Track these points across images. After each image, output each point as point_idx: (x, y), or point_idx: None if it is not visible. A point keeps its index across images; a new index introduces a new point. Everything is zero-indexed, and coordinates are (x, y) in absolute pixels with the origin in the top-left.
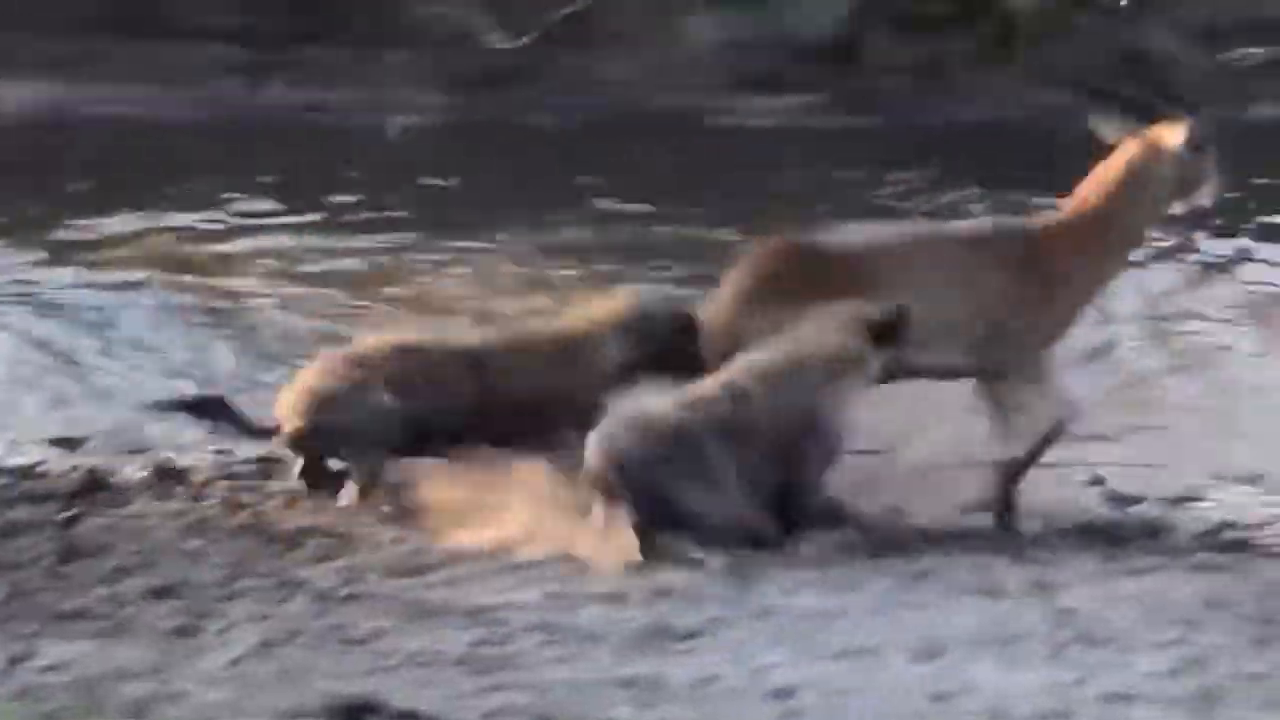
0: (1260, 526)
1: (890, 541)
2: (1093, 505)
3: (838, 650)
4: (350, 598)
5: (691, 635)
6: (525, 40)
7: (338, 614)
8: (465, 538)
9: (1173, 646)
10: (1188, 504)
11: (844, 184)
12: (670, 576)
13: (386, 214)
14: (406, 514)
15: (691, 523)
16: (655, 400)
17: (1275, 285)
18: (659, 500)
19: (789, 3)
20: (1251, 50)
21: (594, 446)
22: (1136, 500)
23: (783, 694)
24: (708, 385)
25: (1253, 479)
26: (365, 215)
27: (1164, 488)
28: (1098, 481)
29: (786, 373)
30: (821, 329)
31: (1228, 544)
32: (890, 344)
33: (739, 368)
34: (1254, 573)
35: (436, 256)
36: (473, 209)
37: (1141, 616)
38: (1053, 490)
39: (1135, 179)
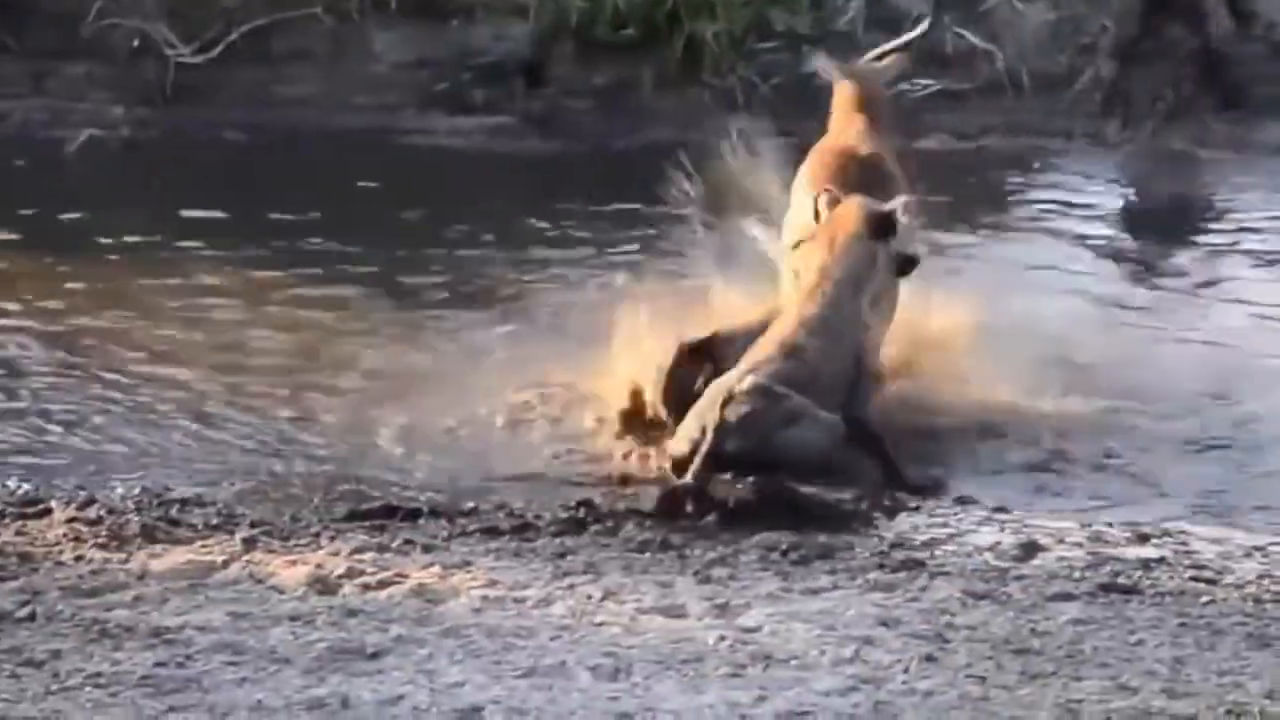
0: (929, 545)
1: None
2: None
3: (525, 669)
4: (28, 618)
5: (379, 654)
6: (210, 55)
7: (14, 635)
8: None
9: (848, 664)
10: (864, 522)
11: (534, 203)
12: (359, 596)
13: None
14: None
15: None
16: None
17: None
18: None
19: (475, 23)
20: (925, 81)
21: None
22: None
23: (469, 713)
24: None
25: (922, 494)
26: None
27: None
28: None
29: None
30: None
31: (900, 563)
32: (891, 235)
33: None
34: (924, 591)
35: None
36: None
37: (819, 635)
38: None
39: None
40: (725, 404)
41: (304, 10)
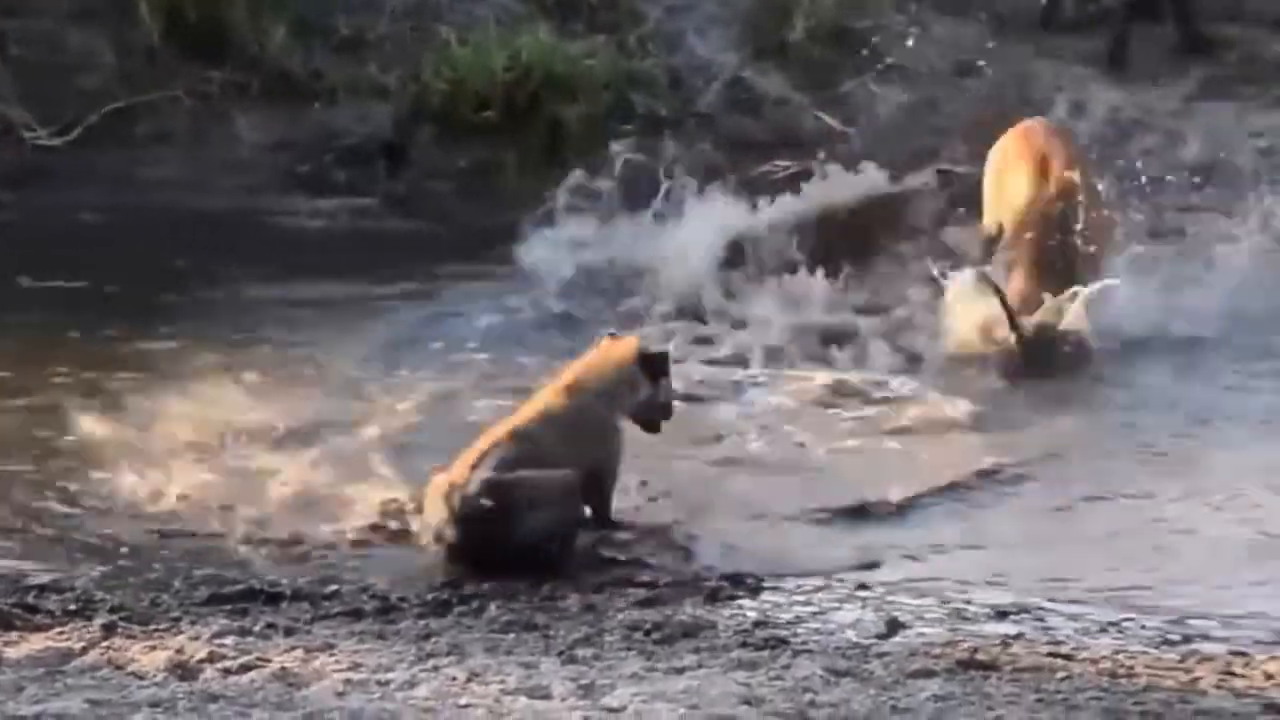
0: (792, 623)
1: None
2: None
3: None
4: None
5: None
6: (69, 138)
7: None
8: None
9: None
10: (726, 601)
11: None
12: (220, 681)
13: None
14: None
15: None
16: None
17: None
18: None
19: (337, 105)
20: (784, 163)
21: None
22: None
23: None
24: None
25: (782, 577)
26: None
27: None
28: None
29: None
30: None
31: (763, 641)
32: (661, 376)
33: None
34: (786, 669)
35: None
36: None
37: (683, 715)
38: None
39: None
40: (455, 513)
41: (164, 93)
